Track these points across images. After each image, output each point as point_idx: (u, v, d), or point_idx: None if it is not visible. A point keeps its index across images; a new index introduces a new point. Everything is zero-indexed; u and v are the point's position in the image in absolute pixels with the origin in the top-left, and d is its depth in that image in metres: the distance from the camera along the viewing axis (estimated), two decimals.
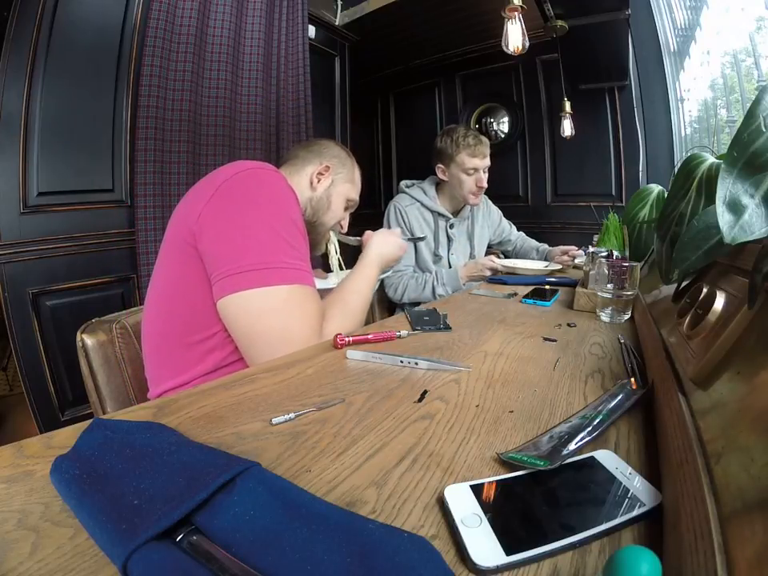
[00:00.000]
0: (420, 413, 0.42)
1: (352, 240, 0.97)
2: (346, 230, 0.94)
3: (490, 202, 1.76)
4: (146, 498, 0.26)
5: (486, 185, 1.50)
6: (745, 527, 0.17)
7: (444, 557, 0.23)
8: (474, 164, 1.47)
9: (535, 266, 1.46)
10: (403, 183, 1.65)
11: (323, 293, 0.92)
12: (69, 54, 1.48)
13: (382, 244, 0.88)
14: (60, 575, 0.22)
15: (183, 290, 0.66)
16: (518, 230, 1.87)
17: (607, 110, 2.59)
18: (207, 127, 1.84)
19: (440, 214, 1.57)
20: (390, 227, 1.53)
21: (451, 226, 1.59)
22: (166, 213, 1.69)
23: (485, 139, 1.52)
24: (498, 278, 1.32)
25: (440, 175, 1.56)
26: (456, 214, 1.62)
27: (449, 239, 1.58)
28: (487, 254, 1.79)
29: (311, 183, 0.86)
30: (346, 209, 0.92)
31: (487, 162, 1.51)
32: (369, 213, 1.92)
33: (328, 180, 0.87)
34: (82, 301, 1.59)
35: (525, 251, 1.80)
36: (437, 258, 1.57)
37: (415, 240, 0.86)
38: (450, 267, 1.55)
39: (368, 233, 0.92)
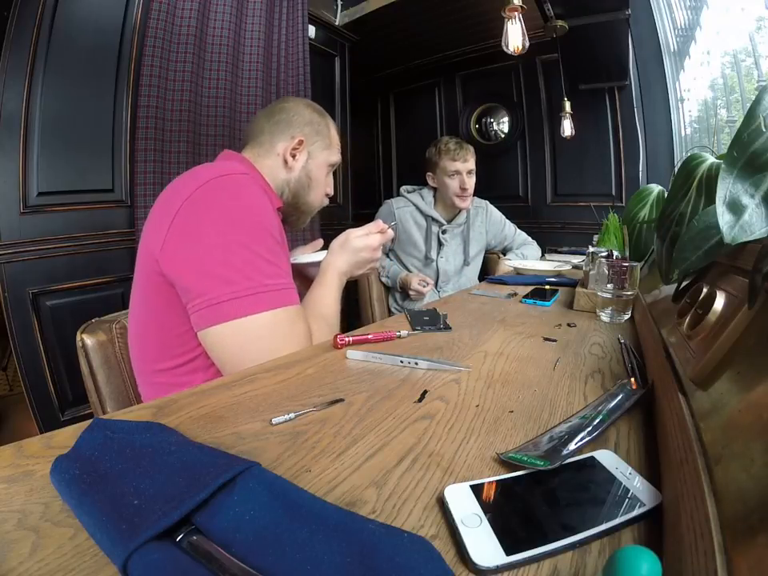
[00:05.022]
0: (420, 413, 0.42)
1: (315, 257, 0.89)
2: (332, 193, 0.86)
3: (491, 208, 1.78)
4: (146, 497, 0.26)
5: (468, 187, 1.57)
6: (745, 527, 0.17)
7: (444, 557, 0.23)
8: (455, 167, 1.55)
9: (545, 266, 1.46)
10: (404, 188, 1.72)
11: (310, 267, 0.87)
12: (69, 54, 1.48)
13: (338, 259, 0.77)
14: (60, 575, 0.22)
15: (156, 319, 0.63)
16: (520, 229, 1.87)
17: (607, 110, 2.58)
18: (207, 127, 1.84)
19: (434, 219, 1.64)
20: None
21: (443, 232, 1.65)
22: None
23: (467, 145, 1.60)
24: (497, 277, 1.32)
25: (430, 183, 1.65)
26: (451, 220, 1.67)
27: (440, 244, 1.66)
28: (486, 254, 1.80)
29: (285, 162, 0.75)
30: (328, 174, 0.83)
31: (469, 165, 1.58)
32: (368, 213, 1.91)
33: (304, 155, 0.77)
34: (82, 301, 1.58)
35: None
36: (428, 260, 1.66)
37: (390, 226, 0.84)
38: (439, 270, 1.66)
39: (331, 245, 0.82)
